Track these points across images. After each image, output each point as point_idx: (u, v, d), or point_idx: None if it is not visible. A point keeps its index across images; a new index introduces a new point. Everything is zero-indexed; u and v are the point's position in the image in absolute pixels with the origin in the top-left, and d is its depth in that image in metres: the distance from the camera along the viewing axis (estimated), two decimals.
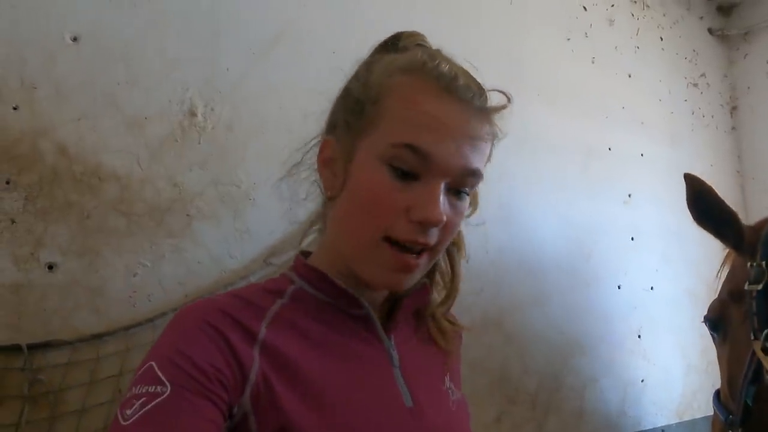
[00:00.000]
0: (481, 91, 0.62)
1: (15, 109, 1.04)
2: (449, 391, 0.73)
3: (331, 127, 0.67)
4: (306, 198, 0.72)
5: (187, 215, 1.17)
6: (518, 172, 1.65)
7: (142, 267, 1.12)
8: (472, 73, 0.62)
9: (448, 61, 0.61)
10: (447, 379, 0.74)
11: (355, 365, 0.63)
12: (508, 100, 0.66)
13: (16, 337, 0.99)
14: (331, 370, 0.61)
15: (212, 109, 1.23)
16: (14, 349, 0.98)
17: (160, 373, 0.52)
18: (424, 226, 0.58)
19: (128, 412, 0.50)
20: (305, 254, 0.70)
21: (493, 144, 0.66)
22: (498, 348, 1.54)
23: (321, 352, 0.61)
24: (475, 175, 0.61)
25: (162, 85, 1.18)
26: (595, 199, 1.81)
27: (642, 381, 1.82)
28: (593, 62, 1.90)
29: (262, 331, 0.59)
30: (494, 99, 0.66)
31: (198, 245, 1.17)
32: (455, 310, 1.46)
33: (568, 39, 1.86)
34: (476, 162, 0.60)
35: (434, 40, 1.72)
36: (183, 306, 0.60)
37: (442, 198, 0.58)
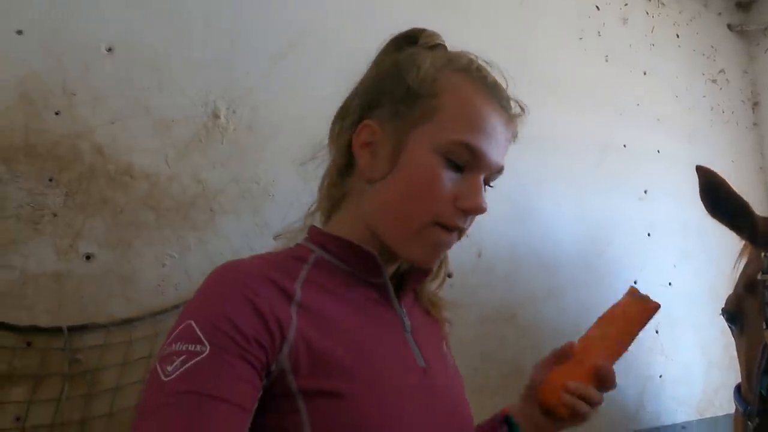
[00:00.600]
0: (509, 97, 0.72)
1: (57, 114, 1.15)
2: (448, 356, 0.79)
3: (368, 109, 0.70)
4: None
5: (211, 210, 1.25)
6: (531, 169, 1.69)
7: (169, 258, 1.20)
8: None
9: (486, 67, 0.71)
10: (444, 345, 0.80)
11: (378, 326, 0.68)
12: (523, 110, 0.74)
13: (57, 321, 1.09)
14: (360, 326, 0.65)
15: (234, 111, 1.31)
16: (56, 331, 1.07)
17: (199, 333, 0.53)
18: (469, 213, 0.66)
19: (169, 368, 0.52)
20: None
21: None
22: (511, 341, 1.57)
23: (350, 311, 0.66)
24: (501, 172, 0.71)
25: (187, 89, 1.27)
26: (610, 195, 1.83)
27: (660, 377, 1.81)
28: (607, 60, 1.92)
29: (297, 292, 0.61)
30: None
31: (220, 238, 1.25)
32: (469, 300, 1.50)
33: (581, 38, 1.89)
34: (504, 161, 0.70)
35: (446, 40, 1.78)
36: (219, 266, 0.61)
37: (483, 190, 0.66)
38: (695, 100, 2.11)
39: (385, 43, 0.78)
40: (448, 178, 0.64)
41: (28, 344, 1.06)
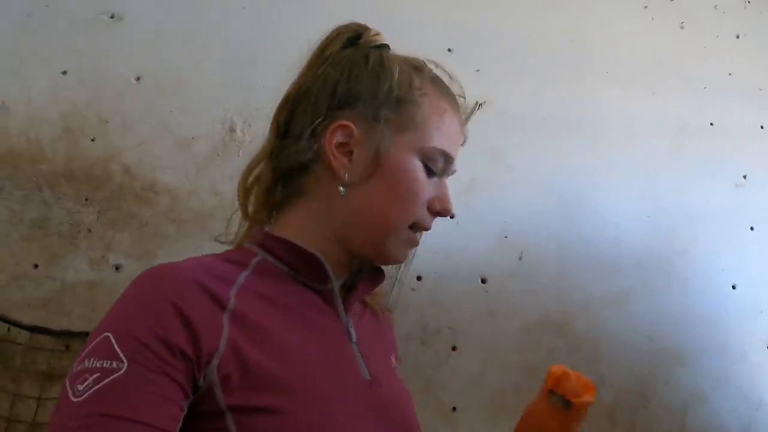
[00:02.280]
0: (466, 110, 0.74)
1: (93, 140, 1.29)
2: (395, 369, 0.73)
3: (338, 108, 0.67)
4: None
5: (228, 220, 1.30)
6: (583, 161, 1.50)
7: None
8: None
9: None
10: (393, 357, 0.74)
11: (319, 337, 0.64)
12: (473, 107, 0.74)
13: (90, 326, 1.20)
14: (298, 338, 0.61)
15: (250, 125, 1.36)
16: (86, 335, 1.18)
17: (117, 347, 0.49)
18: (441, 216, 0.68)
19: (80, 387, 0.47)
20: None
21: None
22: (562, 353, 1.38)
23: (288, 321, 0.62)
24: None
25: (206, 108, 1.34)
26: (692, 183, 1.54)
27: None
28: (682, 27, 1.65)
29: (231, 299, 0.57)
30: None
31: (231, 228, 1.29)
32: (508, 307, 1.37)
33: (646, 6, 1.65)
34: None
35: (488, 19, 1.66)
36: (145, 270, 0.58)
37: None
38: None
39: (329, 37, 0.74)
40: (427, 182, 0.66)
41: (67, 347, 1.18)
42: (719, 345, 1.47)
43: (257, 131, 1.36)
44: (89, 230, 1.25)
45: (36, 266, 1.22)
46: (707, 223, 1.54)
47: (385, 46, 0.70)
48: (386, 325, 0.78)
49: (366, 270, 0.71)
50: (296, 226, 0.68)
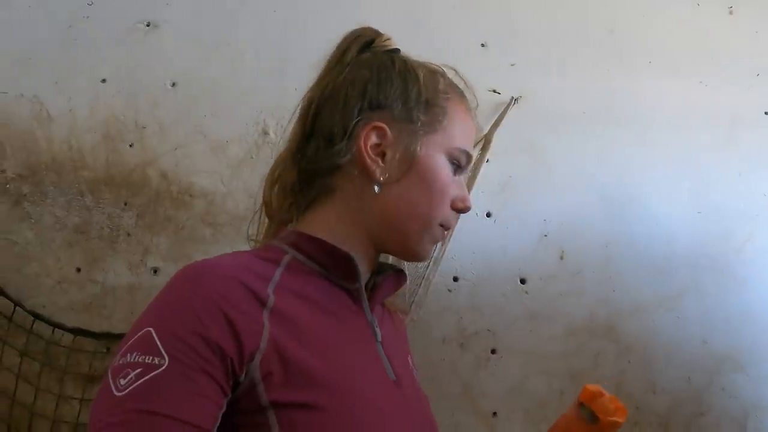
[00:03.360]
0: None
1: (131, 146, 1.31)
2: (414, 370, 0.73)
3: (369, 110, 0.67)
4: None
5: (257, 220, 1.30)
6: (628, 156, 1.42)
7: None
8: None
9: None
10: (410, 358, 0.73)
11: (351, 335, 0.64)
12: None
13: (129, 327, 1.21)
14: (332, 335, 0.62)
15: (282, 127, 1.35)
16: None
17: (159, 343, 0.49)
18: (461, 212, 0.70)
19: (122, 381, 0.48)
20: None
21: None
22: (610, 359, 1.31)
23: (322, 318, 0.62)
24: None
25: (240, 111, 1.35)
26: (746, 176, 1.45)
27: None
28: (731, 12, 1.56)
29: (270, 297, 0.57)
30: None
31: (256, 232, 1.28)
32: (549, 310, 1.32)
33: None
34: None
35: (523, 12, 1.60)
36: (185, 267, 0.58)
37: None
38: None
39: (347, 40, 0.75)
40: (453, 181, 0.69)
41: (107, 349, 1.20)
42: None
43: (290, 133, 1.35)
44: (128, 234, 1.27)
45: (78, 270, 1.25)
46: (764, 219, 1.44)
47: (397, 50, 0.72)
48: (401, 327, 0.77)
49: (389, 271, 0.71)
50: (327, 225, 0.67)
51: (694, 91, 1.49)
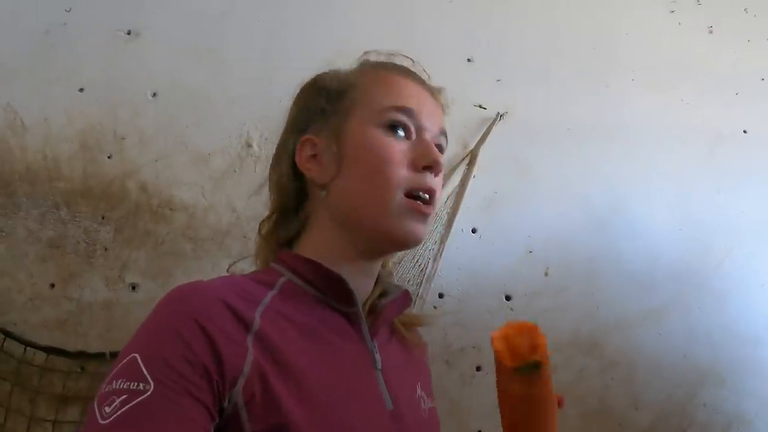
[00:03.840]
0: (427, 78, 0.72)
1: (109, 157, 1.28)
2: (421, 400, 0.69)
3: (300, 132, 0.71)
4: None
5: (245, 237, 1.27)
6: (612, 171, 1.44)
7: None
8: None
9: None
10: (419, 387, 0.70)
11: (343, 364, 0.62)
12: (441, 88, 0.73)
13: (106, 346, 1.17)
14: (321, 366, 0.59)
15: (266, 139, 1.33)
16: (101, 356, 1.16)
17: (143, 368, 0.48)
18: (432, 170, 0.64)
19: (107, 409, 0.47)
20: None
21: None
22: (594, 373, 1.32)
23: (312, 346, 0.60)
24: (445, 136, 0.69)
25: (223, 123, 1.32)
26: (729, 192, 1.47)
27: None
28: (710, 32, 1.59)
29: (257, 321, 0.56)
30: None
31: (253, 265, 1.26)
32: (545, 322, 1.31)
33: (672, 11, 1.59)
34: (444, 125, 0.68)
35: (509, 28, 1.61)
36: (171, 290, 0.57)
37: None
38: None
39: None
40: (398, 146, 0.63)
41: (82, 369, 1.16)
42: (761, 364, 1.38)
43: (274, 146, 1.33)
44: (105, 249, 1.23)
45: (53, 286, 1.20)
46: (743, 235, 1.46)
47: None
48: (418, 357, 0.74)
49: (392, 294, 0.69)
50: (312, 245, 0.67)
51: (675, 108, 1.52)
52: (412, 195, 0.62)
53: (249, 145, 1.32)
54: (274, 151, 0.73)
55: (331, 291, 0.63)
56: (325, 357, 0.59)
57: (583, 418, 1.28)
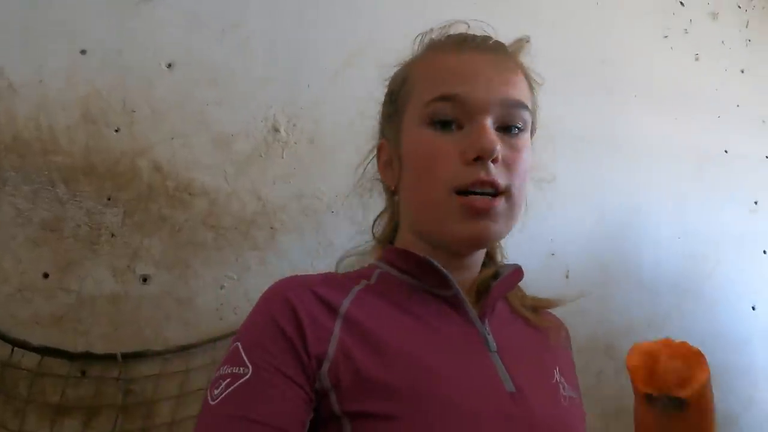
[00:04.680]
0: (496, 41, 0.65)
1: (117, 131, 1.12)
2: (559, 385, 0.64)
3: (382, 130, 0.71)
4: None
5: (271, 228, 1.17)
6: (621, 181, 1.50)
7: (228, 280, 1.12)
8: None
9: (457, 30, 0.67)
10: (557, 372, 0.66)
11: (445, 344, 0.59)
12: (525, 40, 0.67)
13: (112, 347, 1.02)
14: (417, 344, 0.57)
15: (294, 125, 1.24)
16: (110, 358, 1.00)
17: (243, 355, 0.53)
18: (482, 160, 0.57)
19: (216, 391, 0.51)
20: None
21: (531, 81, 0.65)
22: (610, 376, 1.36)
23: (407, 327, 0.59)
24: (518, 105, 0.60)
25: (247, 104, 1.21)
26: (715, 207, 1.60)
27: None
28: (697, 59, 1.73)
29: (345, 305, 0.57)
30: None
31: (282, 258, 1.16)
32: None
33: (666, 36, 1.71)
34: (514, 93, 0.60)
35: (533, 40, 1.64)
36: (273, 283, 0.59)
37: (491, 131, 0.58)
38: None
39: None
40: (445, 139, 0.59)
41: (83, 373, 0.99)
42: (745, 366, 1.50)
43: (303, 131, 1.24)
44: (112, 234, 1.07)
45: (46, 275, 1.02)
46: (727, 247, 1.59)
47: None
48: (555, 342, 0.70)
49: (503, 274, 0.67)
50: (402, 242, 0.68)
51: (669, 126, 1.62)
52: (465, 191, 0.57)
53: (276, 130, 1.22)
54: None
55: (426, 276, 0.61)
56: (424, 338, 0.57)
57: (602, 420, 1.31)
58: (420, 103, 0.61)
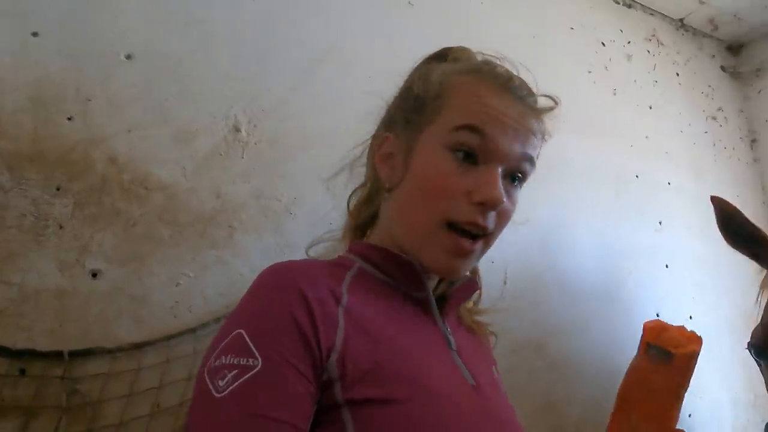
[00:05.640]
0: (532, 91, 0.68)
1: (70, 119, 1.07)
2: (500, 382, 0.74)
3: (389, 124, 0.70)
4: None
5: (230, 227, 1.16)
6: (554, 197, 1.65)
7: (184, 277, 1.09)
8: (523, 78, 0.68)
9: (503, 65, 0.68)
10: (495, 370, 0.75)
11: (421, 341, 0.63)
12: (556, 102, 0.70)
13: (57, 343, 0.96)
14: (405, 336, 0.61)
15: (255, 126, 1.25)
16: (55, 356, 0.94)
17: (251, 344, 0.50)
18: (485, 207, 0.60)
19: (221, 383, 0.48)
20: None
21: (541, 144, 0.69)
22: (541, 374, 1.47)
23: (394, 320, 0.62)
24: (530, 161, 0.65)
25: (209, 100, 1.21)
26: (629, 225, 1.80)
27: (689, 416, 1.72)
28: (615, 94, 1.95)
29: (344, 295, 0.58)
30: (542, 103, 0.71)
31: (240, 257, 1.15)
32: (499, 329, 1.41)
33: (590, 71, 1.91)
34: (530, 149, 0.64)
35: None
36: (270, 265, 0.58)
37: (500, 182, 0.60)
38: (698, 135, 2.15)
39: (416, 64, 0.78)
40: (459, 171, 0.60)
41: (22, 372, 0.93)
42: None
43: (263, 133, 1.25)
44: (60, 226, 1.01)
45: None
46: (639, 260, 1.79)
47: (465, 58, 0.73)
48: (486, 346, 0.79)
49: (459, 283, 0.73)
50: (379, 239, 0.70)
51: (593, 150, 1.81)
52: (456, 228, 0.60)
53: (237, 130, 1.22)
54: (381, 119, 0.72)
55: (402, 276, 0.65)
56: (408, 332, 0.62)
57: (533, 415, 1.42)
58: (449, 125, 0.60)
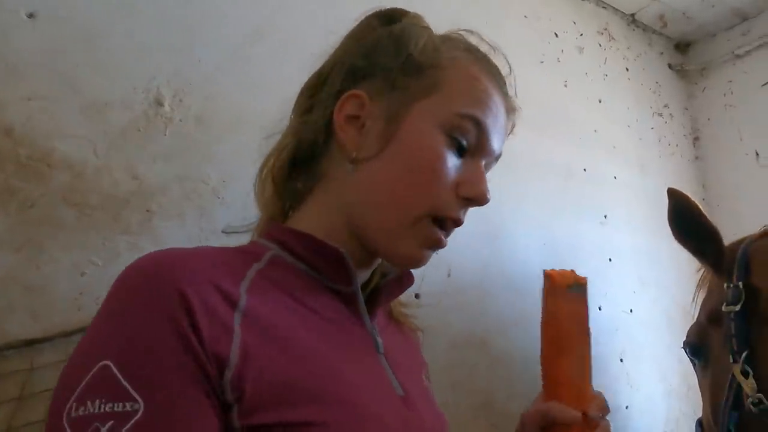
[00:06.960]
0: (512, 96, 0.68)
1: None
2: (428, 390, 0.68)
3: (354, 79, 0.60)
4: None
5: (148, 211, 1.06)
6: (502, 188, 1.60)
7: (92, 266, 0.98)
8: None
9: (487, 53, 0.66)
10: (424, 376, 0.69)
11: (345, 342, 0.56)
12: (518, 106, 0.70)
13: None
14: (321, 341, 0.53)
15: (181, 101, 1.14)
16: None
17: (123, 381, 0.40)
18: (470, 203, 0.58)
19: None
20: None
21: None
22: (483, 370, 1.44)
23: (308, 322, 0.53)
24: (497, 161, 0.65)
25: (127, 70, 1.09)
26: (575, 218, 1.79)
27: (627, 407, 1.74)
28: (566, 86, 1.93)
29: (243, 297, 0.48)
30: None
31: (158, 244, 1.05)
32: (441, 324, 1.36)
33: (542, 62, 1.89)
34: (502, 148, 0.64)
35: None
36: (139, 258, 0.47)
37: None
38: (644, 131, 2.17)
39: (363, 18, 0.68)
40: (451, 160, 0.57)
41: None
42: (594, 361, 1.69)
43: (189, 110, 1.15)
44: None
45: None
46: (584, 254, 1.79)
47: (428, 28, 0.68)
48: (413, 342, 0.73)
49: (392, 275, 0.67)
50: (310, 217, 0.63)
51: (541, 144, 1.79)
52: (437, 220, 0.57)
53: (159, 104, 1.11)
54: (316, 70, 0.64)
55: (327, 267, 0.57)
56: (325, 335, 0.53)
57: (473, 411, 1.38)
58: (451, 107, 0.56)
